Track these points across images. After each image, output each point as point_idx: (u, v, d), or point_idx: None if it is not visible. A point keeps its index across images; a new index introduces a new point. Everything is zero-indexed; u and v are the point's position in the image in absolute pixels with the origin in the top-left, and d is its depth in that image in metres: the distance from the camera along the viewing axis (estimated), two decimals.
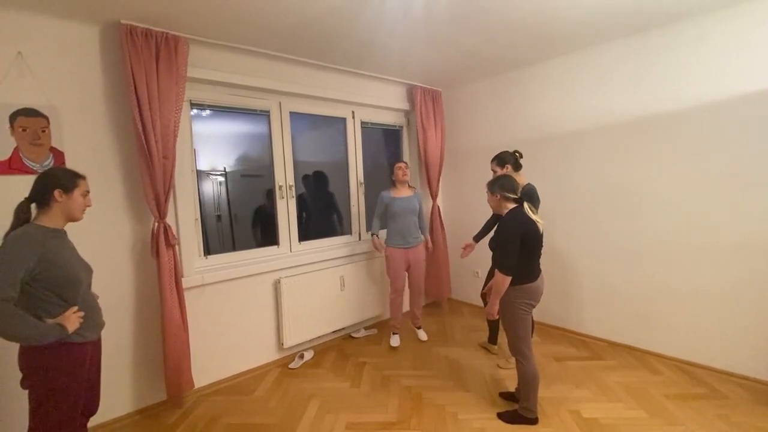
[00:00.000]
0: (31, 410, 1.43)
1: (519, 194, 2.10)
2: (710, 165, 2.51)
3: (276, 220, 3.11)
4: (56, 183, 1.46)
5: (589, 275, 3.16)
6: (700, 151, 2.54)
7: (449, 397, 2.45)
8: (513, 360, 2.78)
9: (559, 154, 3.26)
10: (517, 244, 1.98)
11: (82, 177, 1.56)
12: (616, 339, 3.04)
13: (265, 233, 3.17)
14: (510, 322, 2.12)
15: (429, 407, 2.35)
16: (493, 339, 3.05)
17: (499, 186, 2.11)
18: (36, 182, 1.47)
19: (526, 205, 2.07)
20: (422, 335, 3.31)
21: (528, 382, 2.11)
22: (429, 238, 3.40)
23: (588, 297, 3.18)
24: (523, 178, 2.67)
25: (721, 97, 2.44)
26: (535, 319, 2.94)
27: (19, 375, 1.45)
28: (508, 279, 2.00)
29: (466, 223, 3.96)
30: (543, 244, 2.12)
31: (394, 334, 3.26)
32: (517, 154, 2.71)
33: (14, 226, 1.42)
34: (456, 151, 4.09)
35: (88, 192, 1.57)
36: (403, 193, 3.15)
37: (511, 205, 2.09)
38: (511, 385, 2.49)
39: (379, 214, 3.20)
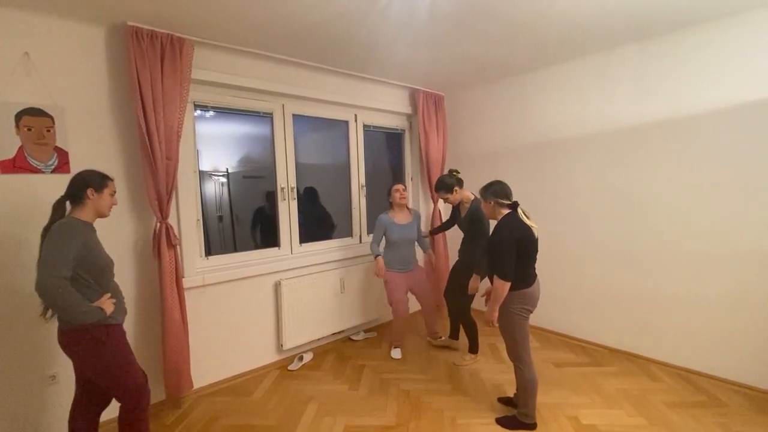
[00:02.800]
0: (108, 388, 1.67)
1: (512, 199, 2.10)
2: (712, 172, 2.51)
3: (277, 221, 3.11)
4: (89, 182, 1.65)
5: (589, 281, 3.16)
6: (701, 158, 2.54)
7: (448, 401, 2.44)
8: (469, 357, 2.89)
9: (560, 159, 3.26)
10: (513, 250, 1.97)
11: (110, 179, 1.74)
12: (616, 345, 3.03)
13: (265, 235, 3.17)
14: (508, 328, 2.11)
15: (427, 411, 2.34)
16: (454, 334, 3.10)
17: (492, 192, 2.11)
18: (72, 181, 1.65)
19: (520, 209, 2.07)
20: (455, 344, 3.17)
21: (527, 387, 2.10)
22: (432, 255, 3.33)
23: (588, 303, 3.17)
24: (469, 193, 2.71)
25: (723, 105, 2.44)
26: (534, 324, 2.95)
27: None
28: (508, 285, 1.99)
29: None
30: (537, 249, 2.12)
31: (395, 347, 3.17)
32: (455, 173, 2.76)
33: (53, 220, 1.59)
34: (458, 155, 4.10)
35: (114, 192, 1.76)
36: (402, 218, 3.01)
37: (506, 211, 2.09)
38: (510, 390, 2.48)
39: (378, 239, 3.02)
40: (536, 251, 2.11)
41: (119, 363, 1.66)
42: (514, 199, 2.11)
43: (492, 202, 2.11)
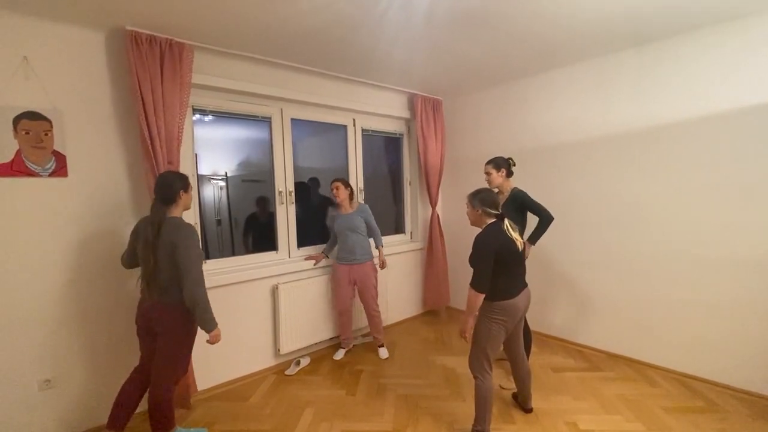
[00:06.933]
0: (166, 358, 1.94)
1: (500, 210, 2.02)
2: (711, 177, 2.52)
3: (275, 225, 3.11)
4: (181, 185, 1.97)
5: (589, 286, 3.15)
6: (701, 163, 2.55)
7: (446, 406, 2.43)
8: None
9: (559, 164, 3.27)
10: (490, 262, 1.90)
11: (187, 176, 2.06)
12: (614, 350, 3.03)
13: (257, 242, 3.16)
14: (479, 336, 2.02)
15: (425, 416, 2.33)
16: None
17: (480, 200, 2.01)
18: (162, 186, 1.94)
19: (506, 222, 2.00)
20: (383, 353, 3.17)
21: (487, 400, 2.00)
22: (382, 253, 3.20)
23: (587, 308, 3.17)
24: (510, 183, 2.69)
25: (722, 109, 2.45)
26: (533, 328, 2.93)
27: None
28: (481, 296, 1.93)
29: (465, 230, 3.95)
30: (522, 262, 2.07)
31: (341, 348, 3.22)
32: (511, 161, 2.73)
33: (158, 221, 1.88)
34: (456, 159, 4.11)
35: (191, 187, 2.09)
36: (344, 209, 3.07)
37: (490, 220, 2.01)
38: (507, 394, 2.48)
39: (331, 228, 3.15)
40: (520, 264, 2.06)
41: (189, 342, 2.01)
42: (500, 211, 2.04)
43: (480, 210, 2.02)
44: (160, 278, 1.88)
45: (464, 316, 2.00)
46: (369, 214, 3.12)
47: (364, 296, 3.11)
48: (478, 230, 2.05)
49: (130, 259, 2.06)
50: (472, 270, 1.97)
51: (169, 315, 1.91)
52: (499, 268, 1.93)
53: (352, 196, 3.13)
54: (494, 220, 2.01)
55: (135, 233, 2.01)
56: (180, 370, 2.01)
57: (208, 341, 1.95)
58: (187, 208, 2.05)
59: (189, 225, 1.92)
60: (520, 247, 2.01)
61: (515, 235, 1.99)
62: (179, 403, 2.44)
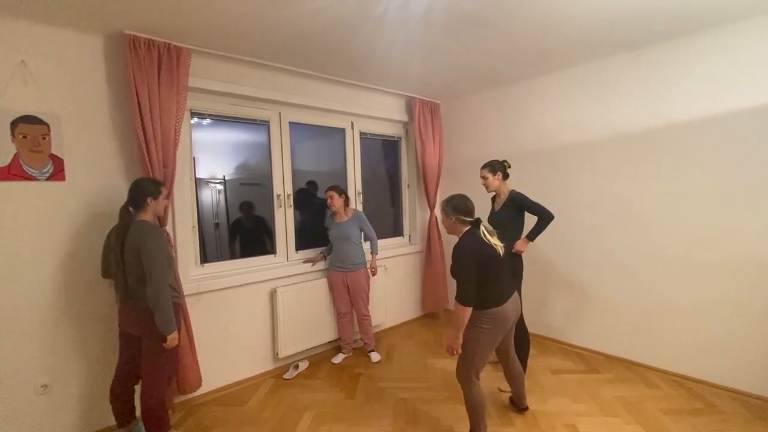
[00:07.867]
0: (154, 359, 1.91)
1: (475, 216, 1.96)
2: (706, 179, 2.53)
3: (273, 228, 3.11)
4: (148, 192, 1.95)
5: (587, 288, 3.16)
6: (698, 166, 2.56)
7: (444, 409, 2.42)
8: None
9: (556, 167, 3.28)
10: (473, 271, 1.83)
11: (162, 184, 2.06)
12: (613, 352, 3.03)
13: (245, 247, 3.12)
14: (468, 346, 1.95)
15: (424, 420, 2.32)
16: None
17: (453, 207, 1.93)
18: (132, 191, 1.95)
19: (482, 227, 1.93)
20: (374, 357, 3.17)
21: (477, 410, 1.96)
22: (374, 259, 3.19)
23: (585, 310, 3.17)
24: (508, 185, 2.70)
25: (718, 112, 2.47)
26: (531, 331, 2.92)
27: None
28: (468, 310, 1.85)
29: None
30: (504, 267, 1.99)
31: (340, 352, 3.23)
32: (506, 164, 2.74)
33: (124, 224, 1.89)
34: (454, 162, 4.12)
35: (167, 194, 2.09)
36: (338, 218, 3.10)
37: (465, 228, 1.94)
38: (505, 396, 2.48)
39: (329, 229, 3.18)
40: (503, 269, 1.96)
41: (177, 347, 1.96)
42: (476, 216, 1.97)
43: (453, 218, 1.94)
44: (129, 281, 1.89)
45: (453, 331, 1.92)
46: (363, 221, 3.13)
47: (355, 299, 3.14)
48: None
49: (104, 267, 2.04)
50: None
51: (143, 317, 1.88)
52: (483, 276, 1.87)
53: (348, 202, 3.14)
54: (469, 227, 1.94)
55: (108, 239, 2.00)
56: (169, 370, 2.01)
57: (164, 344, 1.89)
58: (158, 214, 2.04)
59: (155, 227, 1.91)
60: (501, 251, 1.94)
61: (494, 240, 1.92)
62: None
